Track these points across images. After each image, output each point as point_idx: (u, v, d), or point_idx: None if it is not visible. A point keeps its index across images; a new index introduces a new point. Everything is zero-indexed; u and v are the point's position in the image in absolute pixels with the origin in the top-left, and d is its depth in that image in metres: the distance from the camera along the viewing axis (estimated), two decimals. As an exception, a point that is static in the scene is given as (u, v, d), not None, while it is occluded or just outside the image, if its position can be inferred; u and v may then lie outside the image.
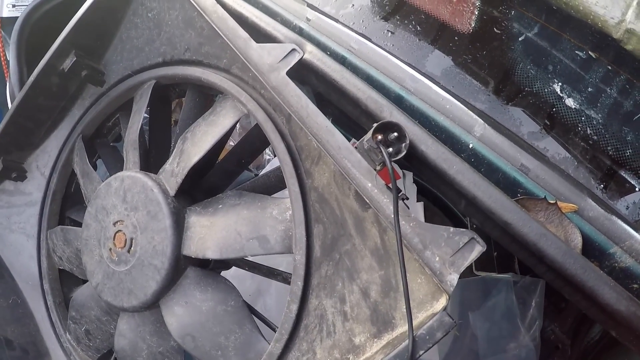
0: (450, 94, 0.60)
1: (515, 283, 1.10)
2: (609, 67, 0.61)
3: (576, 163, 0.67)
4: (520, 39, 0.64)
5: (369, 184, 0.58)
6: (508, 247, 0.60)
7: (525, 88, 0.60)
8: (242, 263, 0.87)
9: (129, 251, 0.80)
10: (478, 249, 0.55)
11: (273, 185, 0.83)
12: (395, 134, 0.54)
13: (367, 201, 0.58)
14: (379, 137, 0.54)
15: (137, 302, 0.79)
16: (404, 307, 0.60)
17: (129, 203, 0.81)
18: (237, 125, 0.93)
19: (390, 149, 0.54)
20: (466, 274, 0.57)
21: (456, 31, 0.66)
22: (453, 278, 0.55)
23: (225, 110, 0.79)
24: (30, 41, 1.13)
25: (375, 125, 0.54)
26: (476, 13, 0.67)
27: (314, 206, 0.69)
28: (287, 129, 0.72)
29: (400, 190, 0.54)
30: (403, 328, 0.60)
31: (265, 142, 0.83)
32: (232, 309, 0.77)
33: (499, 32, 0.64)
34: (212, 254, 0.75)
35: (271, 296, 1.18)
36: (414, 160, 0.57)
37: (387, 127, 0.54)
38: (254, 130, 0.82)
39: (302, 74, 0.67)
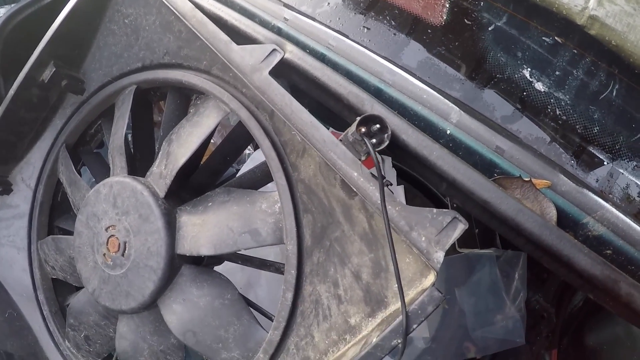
0: (426, 85, 0.63)
1: (498, 257, 1.14)
2: (575, 51, 0.65)
3: (548, 142, 0.71)
4: (490, 28, 0.67)
5: (355, 174, 0.61)
6: (488, 224, 0.64)
7: (497, 75, 0.64)
8: (234, 257, 0.89)
9: (123, 255, 0.82)
10: (461, 227, 0.59)
11: (259, 179, 0.85)
12: (378, 125, 0.57)
13: (355, 190, 0.61)
14: (363, 129, 0.57)
15: (136, 303, 0.81)
16: (395, 285, 0.64)
17: (119, 208, 0.82)
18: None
19: (374, 140, 0.57)
20: (450, 251, 0.61)
21: (429, 24, 0.69)
22: (439, 255, 0.59)
23: (209, 111, 0.81)
24: (5, 53, 1.13)
25: (358, 118, 0.57)
26: (447, 5, 0.70)
27: (302, 197, 0.72)
28: (270, 125, 0.75)
29: (385, 177, 0.57)
30: (395, 305, 0.64)
31: (248, 139, 0.86)
32: (229, 302, 0.80)
33: (470, 22, 0.68)
34: (206, 250, 0.77)
35: (262, 287, 1.20)
36: (396, 149, 0.60)
37: (370, 119, 0.58)
38: (236, 128, 0.84)
39: (284, 72, 0.70)
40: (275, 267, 0.90)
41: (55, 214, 1.03)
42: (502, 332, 1.14)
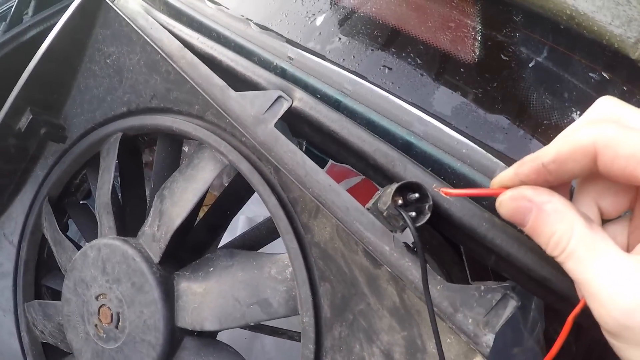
0: (464, 136, 0.53)
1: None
2: (624, 88, 0.55)
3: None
4: (530, 65, 0.58)
5: (387, 247, 0.52)
6: (544, 299, 0.55)
7: (543, 121, 0.54)
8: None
9: (117, 327, 0.73)
10: (512, 304, 0.50)
11: (265, 237, 0.76)
12: (417, 194, 0.48)
13: (386, 266, 0.52)
14: (399, 201, 0.47)
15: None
16: (434, 369, 0.55)
17: (110, 275, 0.73)
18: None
19: (413, 213, 0.47)
20: (463, 284, 0.52)
21: (460, 61, 0.59)
22: (489, 339, 0.50)
23: (204, 163, 0.71)
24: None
25: (393, 187, 0.47)
26: (479, 39, 0.60)
27: (317, 263, 0.63)
28: (276, 180, 0.65)
29: (425, 253, 0.48)
30: (435, 393, 0.55)
31: (250, 190, 0.76)
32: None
33: (507, 58, 0.58)
34: (210, 325, 0.68)
35: (268, 337, 1.11)
36: (436, 217, 0.50)
37: (407, 187, 0.48)
38: (236, 179, 0.75)
39: (293, 124, 0.60)
40: (289, 335, 0.81)
41: (42, 272, 0.94)
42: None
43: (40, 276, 0.94)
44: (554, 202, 0.37)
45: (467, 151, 0.53)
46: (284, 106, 0.59)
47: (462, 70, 0.60)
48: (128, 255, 0.72)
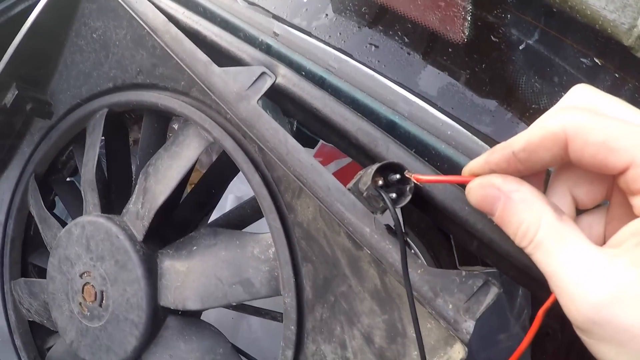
0: (450, 118, 0.52)
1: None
2: (616, 75, 0.53)
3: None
4: (520, 47, 0.56)
5: (368, 229, 0.51)
6: (527, 287, 0.54)
7: (532, 105, 0.53)
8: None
9: (100, 305, 0.73)
10: (494, 291, 0.49)
11: (249, 216, 0.75)
12: (398, 175, 0.46)
13: (367, 249, 0.51)
14: (380, 181, 0.46)
15: (118, 359, 0.71)
16: (414, 352, 0.54)
17: (93, 252, 0.73)
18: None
19: (393, 194, 0.46)
20: (450, 269, 0.51)
21: (449, 41, 0.57)
22: (469, 325, 0.48)
23: (189, 140, 0.70)
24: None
25: (373, 167, 0.46)
26: (469, 19, 0.58)
27: (300, 243, 0.62)
28: (260, 158, 0.64)
29: (406, 235, 0.47)
30: (415, 376, 0.54)
31: (236, 169, 0.75)
32: (220, 357, 0.70)
33: (497, 40, 0.56)
34: (192, 304, 0.67)
35: (254, 317, 1.11)
36: (418, 200, 0.49)
37: (388, 168, 0.46)
38: (222, 157, 0.73)
39: (275, 100, 0.59)
40: (272, 316, 0.80)
41: (28, 249, 0.93)
42: (507, 352, 1.06)
43: (27, 254, 0.93)
44: (522, 192, 0.36)
45: (452, 133, 0.52)
46: (267, 82, 0.57)
47: (450, 50, 0.58)
48: (112, 233, 0.71)
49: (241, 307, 0.82)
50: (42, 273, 0.93)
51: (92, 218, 0.74)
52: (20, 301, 0.91)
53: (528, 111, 0.52)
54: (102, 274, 0.72)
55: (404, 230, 0.48)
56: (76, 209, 0.87)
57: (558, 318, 0.99)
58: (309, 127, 0.60)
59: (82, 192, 0.79)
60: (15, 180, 0.89)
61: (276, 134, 0.56)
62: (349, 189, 0.52)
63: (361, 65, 0.57)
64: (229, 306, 0.76)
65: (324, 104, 0.55)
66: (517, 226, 0.36)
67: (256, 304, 0.85)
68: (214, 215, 0.84)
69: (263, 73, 0.58)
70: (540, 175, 0.40)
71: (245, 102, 0.58)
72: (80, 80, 0.81)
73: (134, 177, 0.82)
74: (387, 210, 0.48)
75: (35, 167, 0.87)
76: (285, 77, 0.58)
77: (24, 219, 0.91)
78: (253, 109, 0.57)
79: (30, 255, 0.93)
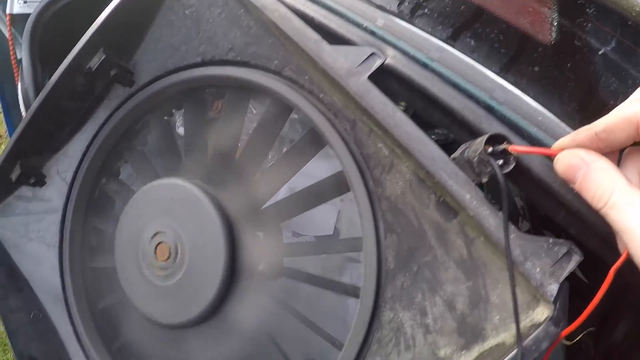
0: (541, 105, 0.58)
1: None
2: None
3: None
4: (600, 52, 0.63)
5: (468, 196, 0.57)
6: (607, 259, 0.60)
7: (609, 101, 0.60)
8: (296, 274, 0.84)
9: (174, 264, 0.76)
10: (576, 259, 0.55)
11: (331, 191, 0.79)
12: (502, 146, 0.52)
13: (470, 214, 0.56)
14: (490, 149, 0.52)
15: (191, 316, 0.75)
16: (496, 318, 0.59)
17: (170, 212, 0.77)
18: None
19: (500, 161, 0.52)
20: None
21: (538, 42, 0.64)
22: (553, 288, 0.54)
23: (274, 117, 0.75)
24: (44, 39, 1.05)
25: (485, 136, 0.52)
26: (555, 24, 0.65)
27: (386, 216, 0.67)
28: (351, 136, 0.69)
29: (507, 200, 0.52)
30: (496, 339, 0.59)
31: (317, 147, 0.80)
32: (294, 312, 0.75)
33: (580, 44, 0.63)
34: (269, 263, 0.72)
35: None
36: (517, 173, 0.55)
37: (495, 139, 0.53)
38: (306, 136, 0.78)
39: (381, 80, 0.64)
40: (345, 289, 0.84)
41: (91, 211, 0.96)
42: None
43: (90, 216, 0.96)
44: (601, 162, 0.45)
45: (542, 119, 0.59)
46: (377, 61, 0.63)
47: (540, 49, 0.65)
48: (190, 193, 0.75)
49: (318, 282, 0.85)
50: (101, 236, 0.96)
51: (171, 180, 0.78)
52: (79, 260, 0.93)
53: (606, 106, 0.59)
54: (177, 232, 0.75)
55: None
56: (146, 177, 0.90)
57: (592, 335, 1.05)
58: (412, 105, 0.66)
59: (159, 157, 0.83)
60: (87, 143, 0.92)
61: (385, 107, 0.61)
62: (453, 159, 0.58)
63: (461, 55, 0.63)
64: (300, 276, 0.81)
65: (433, 83, 0.61)
66: (595, 190, 0.44)
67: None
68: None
69: (373, 53, 0.64)
70: (615, 154, 0.48)
71: (356, 77, 0.63)
72: (166, 53, 0.86)
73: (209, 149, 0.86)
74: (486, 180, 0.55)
75: (109, 132, 0.91)
76: (395, 58, 0.63)
77: (91, 181, 0.94)
78: (363, 83, 0.63)
79: (94, 218, 0.96)
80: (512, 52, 0.64)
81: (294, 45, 0.68)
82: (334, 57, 0.65)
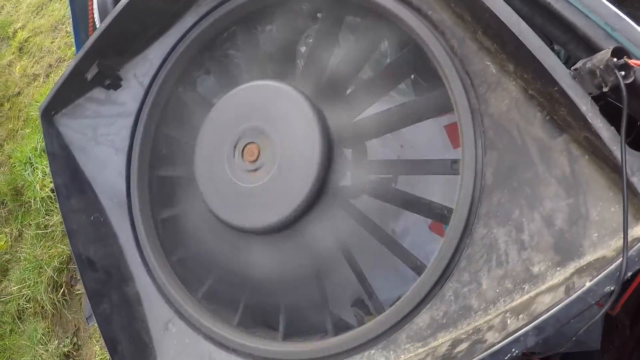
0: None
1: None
2: None
3: None
4: None
5: (584, 107, 0.58)
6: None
7: None
8: (391, 198, 0.82)
9: (261, 166, 0.76)
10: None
11: (430, 110, 0.79)
12: (622, 61, 0.54)
13: (585, 124, 0.57)
14: (614, 59, 0.54)
15: (269, 223, 0.75)
16: (594, 235, 0.60)
17: (263, 115, 0.76)
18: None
19: (623, 72, 0.54)
20: None
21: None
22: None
23: (375, 29, 0.75)
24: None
25: (611, 47, 0.54)
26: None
27: (487, 132, 0.68)
28: (458, 53, 0.70)
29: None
30: (593, 256, 0.60)
31: (411, 69, 0.80)
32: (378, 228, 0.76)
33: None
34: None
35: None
36: (631, 90, 0.57)
37: (618, 52, 0.54)
38: (405, 54, 0.79)
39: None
40: (431, 209, 0.83)
41: (165, 119, 0.95)
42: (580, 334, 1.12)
43: (162, 123, 0.95)
44: None
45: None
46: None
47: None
48: (285, 92, 0.75)
49: (409, 203, 0.84)
50: (171, 146, 0.96)
51: (264, 82, 0.78)
52: (147, 167, 0.93)
53: None
54: (267, 133, 0.75)
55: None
56: (229, 83, 0.90)
57: (629, 314, 1.06)
58: (532, 21, 0.67)
59: (256, 62, 0.83)
60: (170, 48, 0.91)
61: (510, 18, 0.62)
62: (575, 69, 0.59)
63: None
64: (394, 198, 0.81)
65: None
66: None
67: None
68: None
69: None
70: None
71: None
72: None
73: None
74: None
75: (194, 39, 0.90)
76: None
77: (169, 88, 0.93)
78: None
79: (166, 126, 0.96)
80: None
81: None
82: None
